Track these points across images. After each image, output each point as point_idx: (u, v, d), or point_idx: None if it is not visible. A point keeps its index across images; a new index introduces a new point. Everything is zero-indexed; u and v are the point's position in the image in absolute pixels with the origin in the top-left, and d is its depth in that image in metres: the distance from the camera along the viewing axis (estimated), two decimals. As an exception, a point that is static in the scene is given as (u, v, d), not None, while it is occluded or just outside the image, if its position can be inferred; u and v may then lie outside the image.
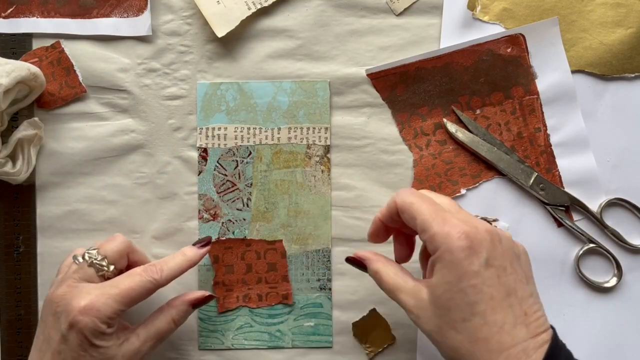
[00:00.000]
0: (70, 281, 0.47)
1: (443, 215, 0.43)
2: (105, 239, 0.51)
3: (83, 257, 0.48)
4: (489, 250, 0.41)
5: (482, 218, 0.49)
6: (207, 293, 0.52)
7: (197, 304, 0.51)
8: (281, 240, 0.56)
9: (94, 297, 0.45)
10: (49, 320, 0.47)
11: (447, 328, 0.41)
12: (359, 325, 0.55)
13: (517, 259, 0.44)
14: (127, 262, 0.51)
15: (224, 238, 0.56)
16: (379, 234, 0.49)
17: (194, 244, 0.52)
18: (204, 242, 0.52)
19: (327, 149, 0.56)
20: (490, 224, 0.47)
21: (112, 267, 0.49)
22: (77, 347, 0.45)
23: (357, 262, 0.49)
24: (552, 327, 0.42)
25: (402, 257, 0.50)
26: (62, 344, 0.45)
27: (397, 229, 0.49)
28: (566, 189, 0.55)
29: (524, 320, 0.41)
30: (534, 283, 0.44)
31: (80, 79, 0.56)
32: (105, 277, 0.48)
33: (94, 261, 0.48)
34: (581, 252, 0.55)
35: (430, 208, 0.43)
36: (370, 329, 0.55)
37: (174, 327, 0.50)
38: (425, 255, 0.48)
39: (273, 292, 0.56)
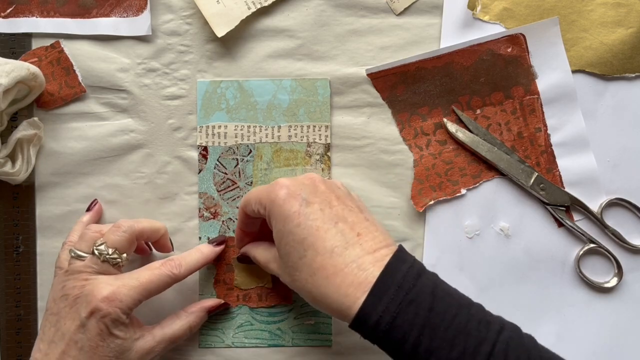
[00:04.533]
0: (83, 275, 0.48)
1: (270, 184, 0.47)
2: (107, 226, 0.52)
3: (92, 253, 0.49)
4: (309, 191, 0.45)
5: None
6: (222, 301, 0.55)
7: (212, 310, 0.54)
8: None
9: (115, 288, 0.46)
10: (64, 312, 0.47)
11: (292, 271, 0.45)
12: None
13: (348, 196, 0.47)
14: (137, 244, 0.52)
15: (227, 236, 0.56)
16: (242, 239, 0.54)
17: (209, 242, 0.54)
18: (219, 240, 0.55)
19: (328, 147, 0.56)
20: None
21: (124, 256, 0.50)
22: (96, 337, 0.46)
23: (243, 258, 0.54)
24: (400, 245, 0.45)
25: None
26: (80, 333, 0.46)
27: (256, 233, 0.53)
28: (566, 189, 0.55)
29: (358, 240, 0.44)
30: (370, 214, 0.47)
31: (80, 78, 0.56)
32: (120, 267, 0.49)
33: (107, 256, 0.48)
34: (581, 252, 0.55)
35: (261, 187, 0.48)
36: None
37: (188, 333, 0.52)
38: None
39: (273, 292, 0.56)
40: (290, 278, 0.45)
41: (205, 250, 0.53)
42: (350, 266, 0.42)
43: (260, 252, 0.51)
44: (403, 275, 0.42)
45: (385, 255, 0.43)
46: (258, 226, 0.53)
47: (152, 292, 0.48)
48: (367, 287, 0.41)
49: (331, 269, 0.42)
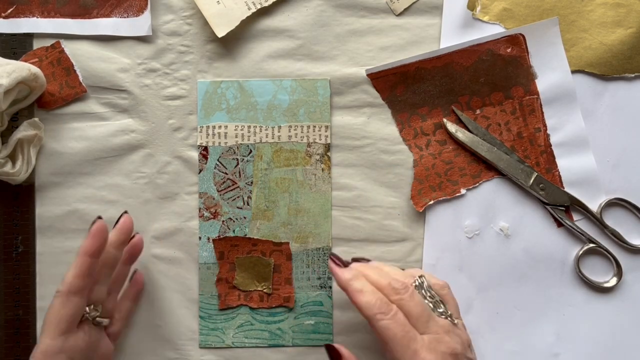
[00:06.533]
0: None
1: (414, 347, 0.45)
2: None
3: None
4: None
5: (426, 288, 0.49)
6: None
7: None
8: (288, 243, 0.56)
9: None
10: None
11: None
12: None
13: (464, 346, 0.47)
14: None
15: (228, 235, 0.56)
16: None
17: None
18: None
19: (328, 147, 0.56)
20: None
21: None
22: None
23: (333, 353, 0.50)
24: None
25: None
26: None
27: None
28: (566, 189, 0.55)
29: None
30: (467, 337, 0.48)
31: (81, 79, 0.56)
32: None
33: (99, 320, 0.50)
34: (581, 252, 0.55)
35: (401, 334, 0.45)
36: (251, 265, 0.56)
37: None
38: None
39: (275, 293, 0.56)
40: None
41: None
42: None
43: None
44: None
45: None
46: None
47: None
48: None
49: None
